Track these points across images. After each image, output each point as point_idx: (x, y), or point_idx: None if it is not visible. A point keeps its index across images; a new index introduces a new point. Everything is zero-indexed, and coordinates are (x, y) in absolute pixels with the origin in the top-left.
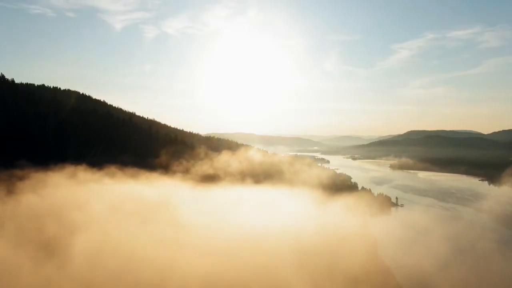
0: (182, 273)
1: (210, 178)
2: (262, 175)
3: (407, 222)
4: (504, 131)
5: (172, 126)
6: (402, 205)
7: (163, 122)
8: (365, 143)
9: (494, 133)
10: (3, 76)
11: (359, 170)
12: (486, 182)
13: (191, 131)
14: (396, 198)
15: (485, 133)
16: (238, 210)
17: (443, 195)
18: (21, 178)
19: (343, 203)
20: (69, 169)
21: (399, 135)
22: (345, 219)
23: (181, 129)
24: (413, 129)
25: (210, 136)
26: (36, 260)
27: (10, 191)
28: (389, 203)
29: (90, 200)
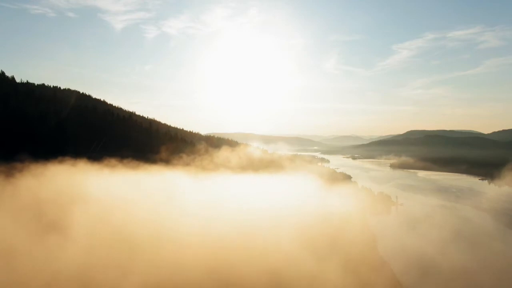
0: (181, 251)
1: (210, 170)
2: (262, 170)
3: (406, 220)
4: (504, 130)
5: (172, 125)
6: (402, 204)
7: (163, 121)
8: (365, 142)
9: (494, 132)
10: (3, 73)
11: (359, 169)
12: (486, 181)
13: (191, 131)
14: (396, 197)
15: (485, 132)
16: (238, 196)
17: (443, 193)
18: (21, 170)
19: (343, 198)
20: (69, 161)
21: (399, 135)
22: (346, 214)
23: (181, 128)
24: (413, 129)
25: (210, 135)
26: (37, 234)
27: (10, 176)
28: (389, 201)
29: (89, 186)
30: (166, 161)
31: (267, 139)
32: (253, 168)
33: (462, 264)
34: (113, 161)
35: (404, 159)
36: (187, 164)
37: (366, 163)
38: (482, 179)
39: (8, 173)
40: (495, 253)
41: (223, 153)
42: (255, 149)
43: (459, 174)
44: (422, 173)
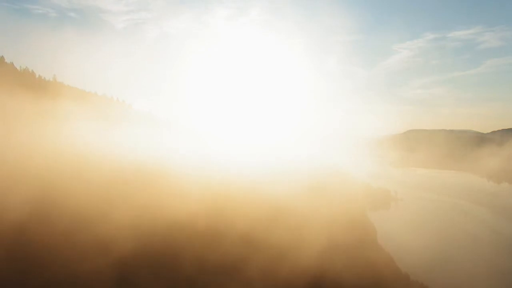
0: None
1: None
2: None
3: (406, 214)
4: (503, 130)
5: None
6: (401, 199)
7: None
8: (365, 141)
9: (493, 132)
10: (3, 58)
11: (360, 168)
12: (484, 179)
13: None
14: (396, 193)
15: (485, 132)
16: None
17: (441, 190)
18: None
19: (344, 194)
20: None
21: (399, 134)
22: (347, 209)
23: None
24: (412, 128)
25: None
26: None
27: None
28: (389, 197)
29: None
30: None
31: None
32: None
33: (458, 254)
34: None
35: (404, 157)
36: None
37: (366, 162)
38: (481, 177)
39: None
40: (491, 246)
41: None
42: None
43: (458, 172)
44: (421, 171)
